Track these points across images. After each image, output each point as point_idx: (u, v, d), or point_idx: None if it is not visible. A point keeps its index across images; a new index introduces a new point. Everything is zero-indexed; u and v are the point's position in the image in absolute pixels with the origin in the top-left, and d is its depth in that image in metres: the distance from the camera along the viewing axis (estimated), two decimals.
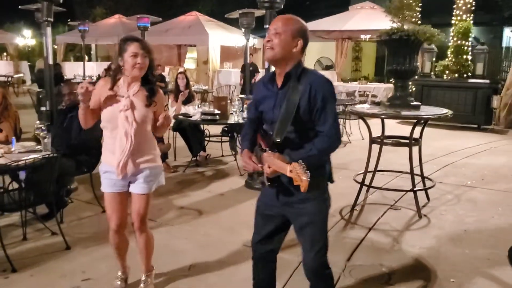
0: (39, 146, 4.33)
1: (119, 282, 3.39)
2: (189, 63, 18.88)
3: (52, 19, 5.38)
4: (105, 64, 16.31)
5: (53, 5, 5.34)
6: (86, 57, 17.16)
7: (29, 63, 21.45)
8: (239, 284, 3.42)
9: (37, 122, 4.47)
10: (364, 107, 5.75)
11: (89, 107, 2.94)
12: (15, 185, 4.30)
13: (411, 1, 5.12)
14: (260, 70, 13.77)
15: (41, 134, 4.28)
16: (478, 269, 3.80)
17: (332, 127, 2.33)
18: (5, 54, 20.92)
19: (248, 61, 9.17)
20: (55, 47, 18.54)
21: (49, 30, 5.38)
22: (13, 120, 5.13)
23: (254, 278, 2.83)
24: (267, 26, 5.69)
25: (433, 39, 4.97)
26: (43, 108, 9.48)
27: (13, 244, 4.08)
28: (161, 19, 13.17)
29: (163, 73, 14.60)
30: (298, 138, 2.38)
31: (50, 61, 5.42)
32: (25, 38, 23.32)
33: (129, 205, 3.19)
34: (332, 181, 2.57)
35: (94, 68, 18.07)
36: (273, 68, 2.52)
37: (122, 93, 2.96)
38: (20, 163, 3.70)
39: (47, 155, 3.98)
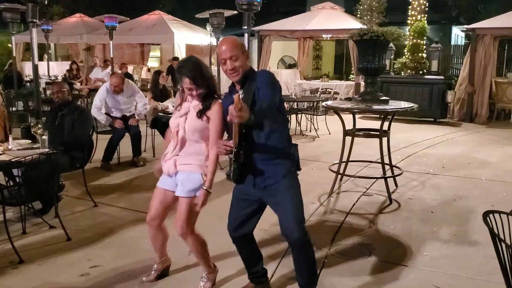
0: (36, 144, 4.49)
1: (152, 272, 3.58)
2: (152, 62, 18.91)
3: (37, 20, 5.47)
4: (66, 64, 16.10)
5: (38, 7, 5.44)
6: (46, 57, 16.88)
7: None
8: (231, 260, 3.77)
9: (33, 120, 4.61)
10: (336, 103, 6.18)
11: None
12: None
13: (378, 4, 5.55)
14: None
15: (39, 131, 4.44)
16: (446, 244, 4.29)
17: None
18: None
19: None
20: (10, 46, 18.08)
21: (34, 31, 5.47)
22: (2, 119, 5.25)
23: (240, 255, 3.36)
24: (246, 27, 6.03)
25: (400, 39, 5.46)
26: (13, 109, 9.56)
27: (14, 238, 4.17)
28: (128, 18, 13.11)
29: (128, 72, 14.68)
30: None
31: (36, 61, 5.52)
32: None
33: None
34: (299, 169, 3.07)
35: (55, 68, 17.79)
36: None
37: (186, 106, 3.21)
38: (26, 159, 3.87)
39: (48, 152, 4.16)
